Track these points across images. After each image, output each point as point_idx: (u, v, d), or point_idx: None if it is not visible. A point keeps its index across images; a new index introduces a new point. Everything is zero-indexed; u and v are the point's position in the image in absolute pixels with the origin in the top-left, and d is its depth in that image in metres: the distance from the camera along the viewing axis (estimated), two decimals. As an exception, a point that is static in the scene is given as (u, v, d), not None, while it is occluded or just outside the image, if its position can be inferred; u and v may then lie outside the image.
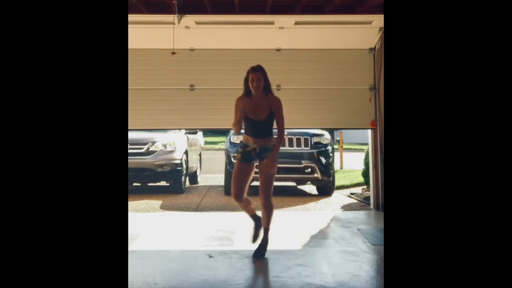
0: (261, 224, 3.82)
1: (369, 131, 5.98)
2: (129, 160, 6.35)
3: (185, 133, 8.14)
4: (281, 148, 6.82)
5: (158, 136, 7.44)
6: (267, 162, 3.64)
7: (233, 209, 6.20)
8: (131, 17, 4.25)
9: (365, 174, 7.44)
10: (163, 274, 3.27)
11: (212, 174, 10.29)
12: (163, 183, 7.63)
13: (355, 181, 8.48)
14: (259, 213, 3.85)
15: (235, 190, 3.70)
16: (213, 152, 16.40)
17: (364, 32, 5.59)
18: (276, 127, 3.73)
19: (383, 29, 5.45)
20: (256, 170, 3.79)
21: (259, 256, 3.71)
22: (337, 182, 8.10)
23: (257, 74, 3.66)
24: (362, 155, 9.37)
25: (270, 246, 3.95)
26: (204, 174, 10.15)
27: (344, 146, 13.13)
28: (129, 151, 6.89)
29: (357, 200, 6.85)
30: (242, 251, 3.85)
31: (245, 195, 3.73)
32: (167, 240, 4.37)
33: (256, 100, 3.66)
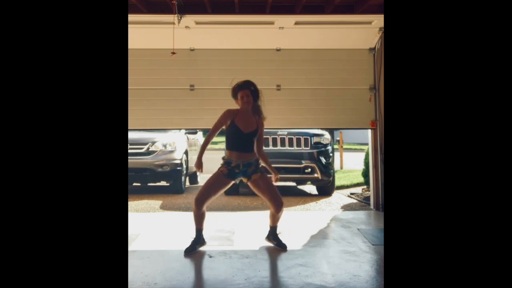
0: (203, 242, 3.88)
1: (369, 131, 5.98)
2: (129, 160, 6.35)
3: (185, 133, 8.14)
4: (281, 148, 6.94)
5: (158, 136, 7.44)
6: (258, 176, 3.75)
7: (233, 209, 6.21)
8: (131, 17, 4.27)
9: (365, 174, 7.44)
10: (163, 274, 3.27)
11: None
12: (163, 183, 7.63)
13: (355, 181, 8.49)
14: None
15: (202, 197, 3.71)
16: (213, 152, 16.39)
17: (364, 32, 5.59)
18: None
19: (383, 29, 5.46)
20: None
21: (284, 247, 3.87)
22: (337, 182, 8.10)
23: (246, 91, 3.79)
24: (362, 155, 9.37)
25: (270, 246, 3.96)
26: (204, 174, 10.13)
27: (344, 146, 13.14)
28: (129, 151, 6.90)
29: (357, 200, 6.85)
30: (242, 251, 3.85)
31: (206, 206, 3.77)
32: (167, 240, 4.36)
33: (245, 113, 3.79)
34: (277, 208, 3.79)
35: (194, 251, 3.79)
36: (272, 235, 3.97)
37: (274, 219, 3.91)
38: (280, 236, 3.98)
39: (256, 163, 3.80)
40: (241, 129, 3.71)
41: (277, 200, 3.76)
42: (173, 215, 5.72)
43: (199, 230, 3.86)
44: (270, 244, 3.98)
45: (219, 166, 3.82)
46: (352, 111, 5.84)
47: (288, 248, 3.93)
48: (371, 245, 4.02)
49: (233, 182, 3.82)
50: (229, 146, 3.79)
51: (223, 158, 3.84)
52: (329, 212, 5.90)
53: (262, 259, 3.62)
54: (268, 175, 3.86)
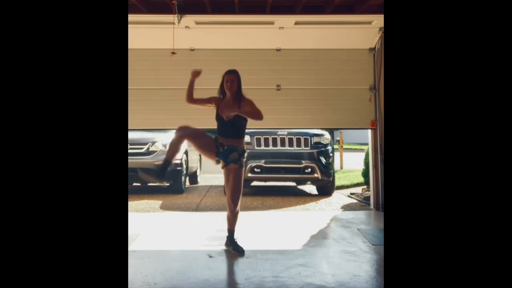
0: (169, 163, 3.75)
1: (369, 131, 5.98)
2: (129, 160, 6.35)
3: (185, 133, 8.12)
4: (281, 148, 6.94)
5: (158, 136, 7.44)
6: (235, 167, 3.75)
7: (233, 209, 6.20)
8: (131, 17, 4.26)
9: (365, 174, 7.44)
10: (163, 274, 3.27)
11: (212, 174, 10.29)
12: (163, 183, 7.63)
13: (355, 181, 8.49)
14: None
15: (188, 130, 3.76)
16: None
17: (364, 32, 5.59)
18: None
19: (383, 29, 5.46)
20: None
21: (241, 252, 3.78)
22: (337, 182, 8.10)
23: (231, 76, 3.85)
24: (362, 155, 9.37)
25: (270, 246, 3.96)
26: (204, 174, 10.15)
27: (344, 146, 13.14)
28: (129, 151, 6.89)
29: (357, 200, 6.85)
30: (242, 251, 3.85)
31: (183, 142, 3.75)
32: (167, 240, 4.37)
33: (227, 101, 3.84)
34: (231, 204, 3.78)
35: (165, 172, 3.72)
36: (229, 240, 3.89)
37: (229, 221, 3.87)
38: (278, 236, 3.97)
39: (242, 153, 3.79)
40: (223, 117, 3.78)
41: (234, 199, 3.77)
42: (173, 215, 5.72)
43: (167, 161, 3.73)
44: (270, 244, 3.97)
45: None
46: (352, 111, 5.84)
47: (288, 248, 3.93)
48: (371, 245, 4.02)
49: (216, 158, 3.81)
50: (217, 131, 3.87)
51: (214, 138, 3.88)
52: (329, 212, 5.90)
53: (262, 259, 3.62)
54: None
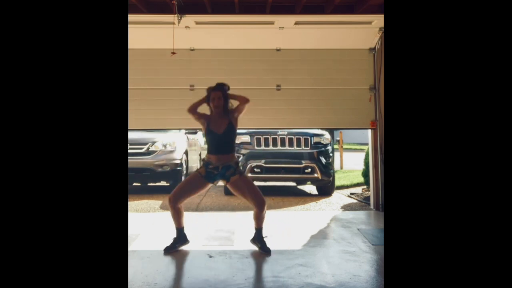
0: (184, 241, 3.91)
1: (369, 131, 5.98)
2: (129, 160, 6.35)
3: (185, 133, 8.14)
4: (281, 148, 6.94)
5: (158, 136, 7.44)
6: (237, 178, 3.74)
7: (233, 209, 6.21)
8: (131, 17, 4.26)
9: (365, 174, 7.44)
10: (163, 274, 3.27)
11: (212, 174, 10.28)
12: (163, 183, 7.63)
13: (355, 181, 8.49)
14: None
15: (176, 194, 3.76)
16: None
17: (364, 32, 5.59)
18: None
19: (383, 29, 5.46)
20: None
21: (268, 251, 3.77)
22: (337, 182, 8.10)
23: (217, 93, 3.83)
24: (362, 155, 9.37)
25: (270, 246, 3.95)
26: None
27: (344, 146, 13.15)
28: (129, 151, 6.90)
29: (357, 200, 6.85)
30: (242, 251, 3.85)
31: (181, 204, 3.79)
32: (167, 240, 4.35)
33: (216, 117, 3.84)
34: (260, 208, 3.73)
35: (174, 249, 3.83)
36: (258, 238, 3.86)
37: (258, 220, 3.81)
38: (278, 236, 3.96)
39: (236, 165, 3.81)
40: (216, 131, 3.79)
41: (259, 199, 3.72)
42: (173, 215, 5.71)
43: (178, 229, 3.88)
44: (270, 244, 3.97)
45: (198, 167, 3.88)
46: (352, 111, 5.84)
47: (288, 248, 3.93)
48: (371, 245, 4.02)
49: (210, 185, 3.84)
50: (208, 150, 3.88)
51: (203, 160, 3.89)
52: (329, 212, 5.90)
53: (262, 259, 3.62)
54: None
